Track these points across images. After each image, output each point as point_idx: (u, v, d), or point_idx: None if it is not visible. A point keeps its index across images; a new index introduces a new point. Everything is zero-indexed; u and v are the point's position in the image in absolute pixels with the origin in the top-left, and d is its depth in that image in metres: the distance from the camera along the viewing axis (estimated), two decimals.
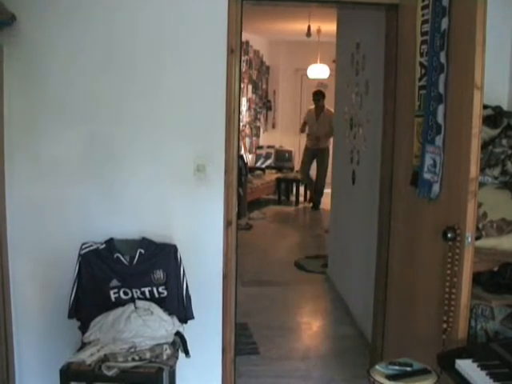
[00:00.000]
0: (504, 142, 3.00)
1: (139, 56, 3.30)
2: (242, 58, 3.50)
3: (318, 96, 10.00)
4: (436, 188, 2.78)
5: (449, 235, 2.56)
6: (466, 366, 2.24)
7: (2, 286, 3.25)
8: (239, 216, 3.85)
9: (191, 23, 3.30)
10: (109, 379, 2.69)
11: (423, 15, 2.93)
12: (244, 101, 10.55)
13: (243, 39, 3.49)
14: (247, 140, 11.10)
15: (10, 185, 3.27)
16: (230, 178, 3.39)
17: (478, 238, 2.72)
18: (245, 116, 10.68)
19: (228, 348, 3.53)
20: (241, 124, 8.27)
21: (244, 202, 8.61)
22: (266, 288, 5.90)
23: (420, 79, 2.97)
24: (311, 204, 10.40)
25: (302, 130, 10.53)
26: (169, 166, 3.38)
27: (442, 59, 2.72)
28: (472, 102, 2.47)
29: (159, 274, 3.15)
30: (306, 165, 10.34)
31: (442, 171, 2.74)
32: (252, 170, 10.61)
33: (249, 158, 11.07)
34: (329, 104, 9.02)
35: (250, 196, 8.87)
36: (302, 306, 5.50)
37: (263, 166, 11.27)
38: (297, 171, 11.06)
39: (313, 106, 10.11)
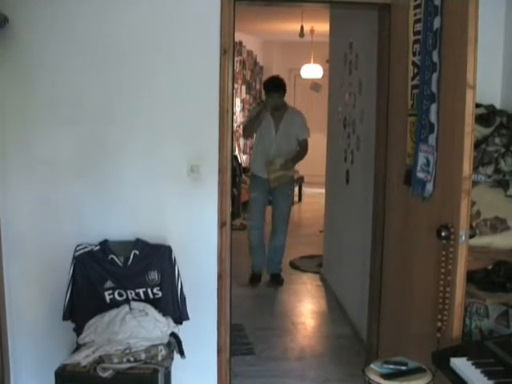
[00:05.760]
0: (497, 140, 3.01)
1: (132, 56, 3.29)
2: (236, 58, 3.50)
3: (276, 84, 5.58)
4: (429, 187, 2.78)
5: (443, 234, 2.56)
6: (460, 364, 2.24)
7: None
8: (233, 216, 3.84)
9: (183, 23, 3.29)
10: (104, 381, 2.69)
11: (415, 14, 2.94)
12: (238, 101, 10.54)
13: (236, 40, 3.49)
14: (241, 140, 11.10)
15: (3, 186, 3.26)
16: (223, 179, 3.38)
17: (471, 237, 2.72)
18: (239, 116, 10.67)
19: (223, 348, 3.53)
20: (235, 125, 8.23)
21: (238, 203, 8.56)
22: (261, 288, 5.89)
23: (413, 78, 2.97)
24: (253, 280, 5.92)
25: (245, 135, 6.57)
26: (162, 167, 3.37)
27: (435, 58, 2.73)
28: (465, 100, 2.48)
29: (154, 275, 3.14)
30: (257, 208, 5.77)
31: (435, 170, 2.74)
32: (246, 170, 10.57)
33: (243, 158, 11.05)
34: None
35: (244, 196, 8.83)
36: (297, 306, 5.49)
37: None
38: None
39: (259, 106, 5.81)
